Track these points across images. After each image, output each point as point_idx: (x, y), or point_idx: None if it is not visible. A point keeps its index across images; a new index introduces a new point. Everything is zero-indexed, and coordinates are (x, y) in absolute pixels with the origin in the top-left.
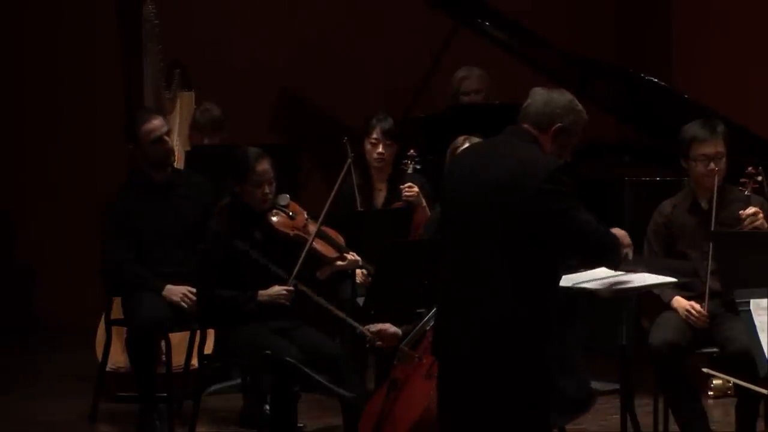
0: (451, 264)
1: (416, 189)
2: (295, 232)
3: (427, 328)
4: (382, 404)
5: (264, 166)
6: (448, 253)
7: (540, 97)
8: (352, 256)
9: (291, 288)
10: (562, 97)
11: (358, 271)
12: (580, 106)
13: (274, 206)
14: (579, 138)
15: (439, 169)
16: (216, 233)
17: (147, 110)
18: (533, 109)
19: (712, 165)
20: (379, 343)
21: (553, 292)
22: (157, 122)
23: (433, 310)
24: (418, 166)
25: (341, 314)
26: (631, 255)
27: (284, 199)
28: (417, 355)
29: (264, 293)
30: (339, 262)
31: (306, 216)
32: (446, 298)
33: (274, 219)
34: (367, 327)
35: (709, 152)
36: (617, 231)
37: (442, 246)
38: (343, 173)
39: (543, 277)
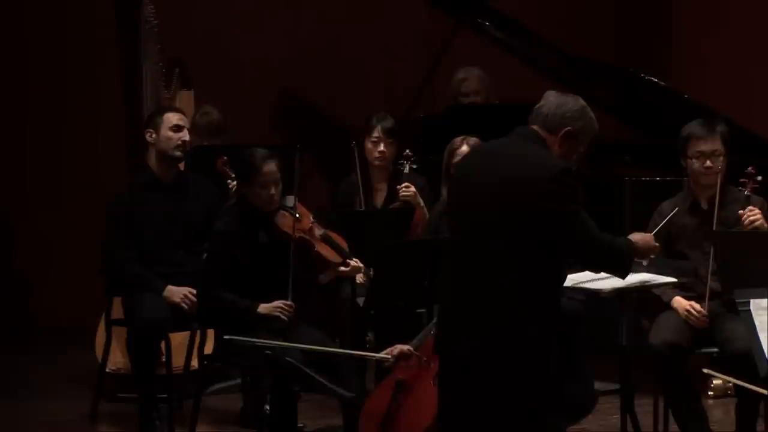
0: (457, 263)
1: (413, 189)
2: (300, 234)
3: (433, 331)
4: (387, 405)
5: (270, 167)
6: (453, 252)
7: (554, 99)
8: (355, 262)
9: (291, 303)
10: (576, 102)
11: None
12: (592, 115)
13: (281, 207)
14: (585, 147)
15: (438, 170)
16: (222, 234)
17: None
18: (545, 110)
19: (709, 162)
20: (403, 363)
21: (558, 292)
22: (179, 114)
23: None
24: (415, 166)
25: (353, 352)
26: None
27: (291, 200)
28: (424, 358)
29: (264, 307)
30: (342, 268)
31: (312, 219)
32: (450, 298)
33: (279, 220)
34: (384, 354)
35: (705, 149)
36: (638, 237)
37: (447, 245)
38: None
39: (548, 277)
